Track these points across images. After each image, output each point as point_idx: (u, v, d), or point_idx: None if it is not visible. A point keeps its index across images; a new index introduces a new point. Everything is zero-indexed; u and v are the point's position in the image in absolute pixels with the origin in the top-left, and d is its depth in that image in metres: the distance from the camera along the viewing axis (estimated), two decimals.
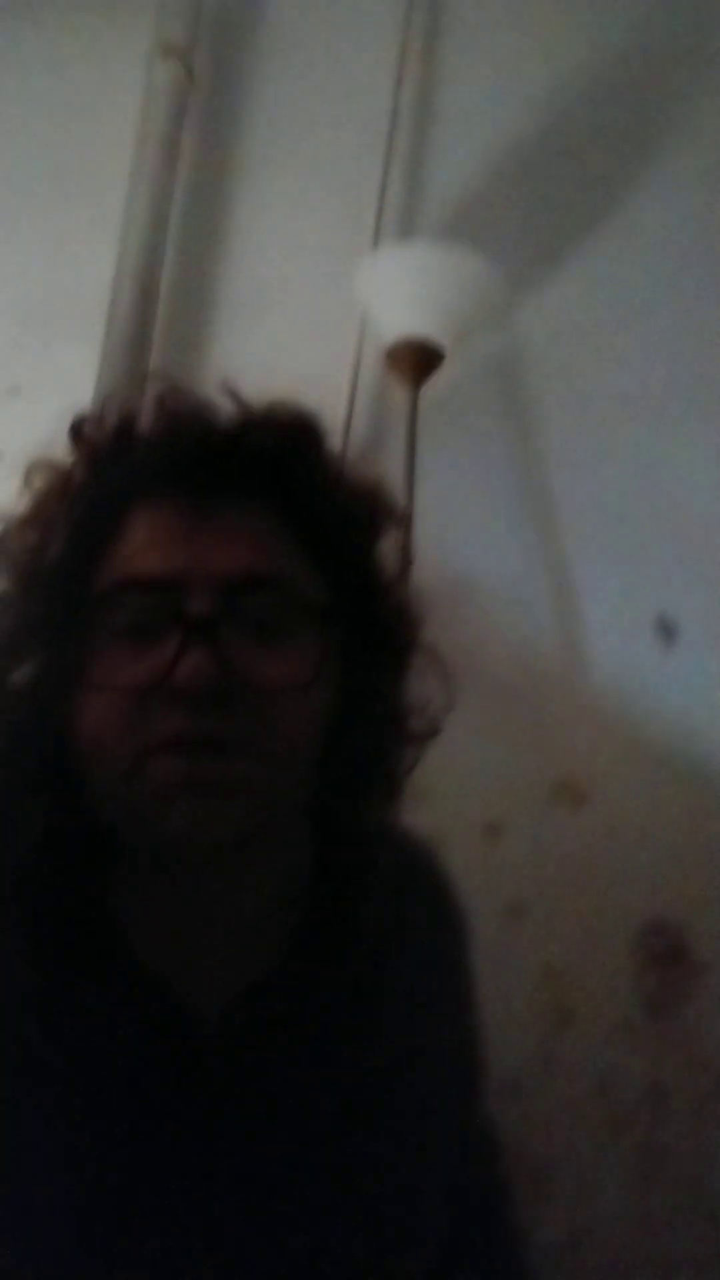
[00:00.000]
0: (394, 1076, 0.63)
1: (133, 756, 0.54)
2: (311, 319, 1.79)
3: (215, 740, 0.54)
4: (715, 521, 1.79)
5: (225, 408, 0.62)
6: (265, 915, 0.62)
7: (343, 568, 0.63)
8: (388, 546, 0.67)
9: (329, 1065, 0.61)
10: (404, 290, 1.59)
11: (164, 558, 0.56)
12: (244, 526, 0.59)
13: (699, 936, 1.66)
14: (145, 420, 0.62)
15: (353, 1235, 0.58)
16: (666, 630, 1.77)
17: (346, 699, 0.62)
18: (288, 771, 0.58)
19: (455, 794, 1.67)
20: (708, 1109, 1.60)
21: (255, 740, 0.55)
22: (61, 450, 0.62)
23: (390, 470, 1.73)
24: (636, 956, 1.65)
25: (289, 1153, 0.58)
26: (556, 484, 1.79)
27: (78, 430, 0.62)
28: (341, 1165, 0.59)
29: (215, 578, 0.56)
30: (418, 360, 1.60)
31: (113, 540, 0.58)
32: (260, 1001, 0.59)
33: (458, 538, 1.75)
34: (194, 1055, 0.57)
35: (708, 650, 1.76)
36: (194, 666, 0.53)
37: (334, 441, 0.66)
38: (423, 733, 0.69)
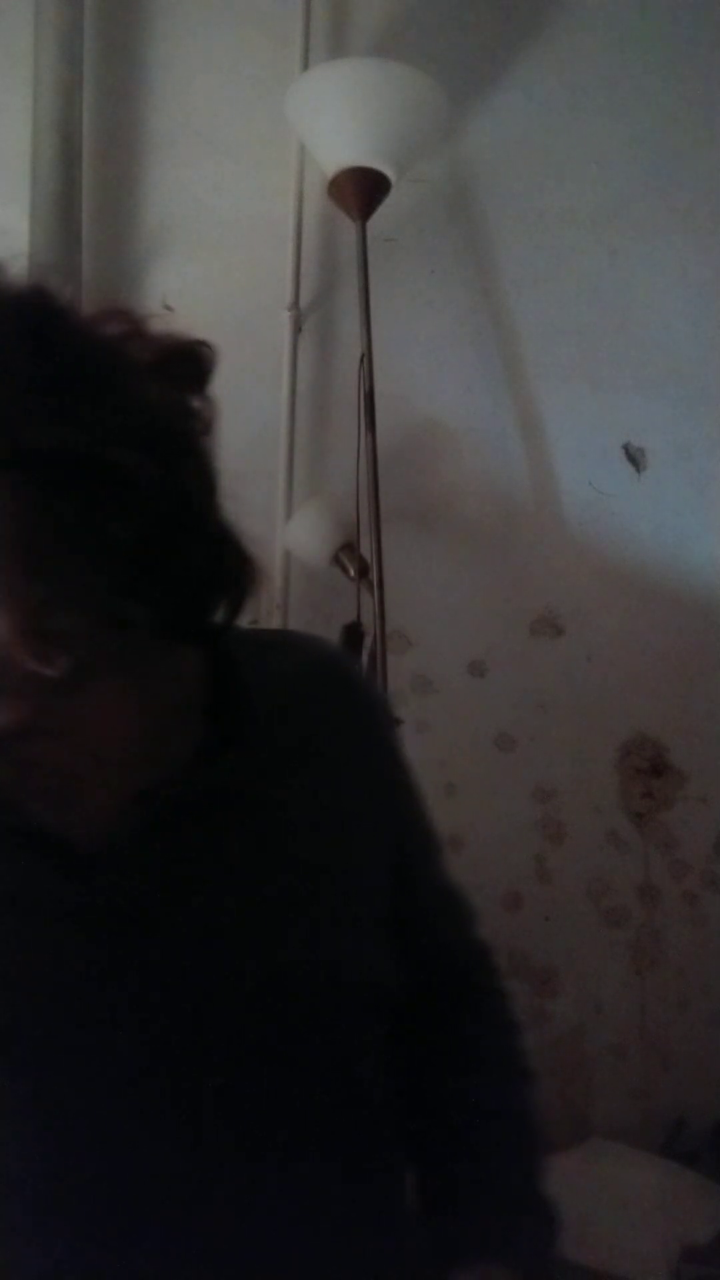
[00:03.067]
0: (303, 842, 0.66)
1: None
2: (246, 154, 1.68)
3: None
4: (676, 341, 1.76)
5: None
6: (150, 737, 0.61)
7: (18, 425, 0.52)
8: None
9: (234, 843, 0.63)
10: (341, 116, 1.49)
11: None
12: None
13: (677, 749, 1.75)
14: None
15: (281, 1002, 0.61)
16: (634, 459, 1.77)
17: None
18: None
19: (439, 636, 1.71)
20: (692, 903, 1.72)
21: None
22: None
23: (344, 309, 1.68)
24: (620, 772, 1.74)
25: (206, 929, 0.61)
26: (516, 312, 1.74)
27: None
28: (260, 928, 0.62)
29: None
30: (363, 191, 1.52)
31: None
32: (149, 806, 0.60)
33: (420, 377, 1.72)
34: (81, 877, 0.59)
35: (675, 475, 1.77)
36: None
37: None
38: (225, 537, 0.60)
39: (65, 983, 0.59)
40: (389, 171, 1.52)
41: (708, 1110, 1.63)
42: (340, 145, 1.50)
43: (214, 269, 1.68)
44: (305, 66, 1.65)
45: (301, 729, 0.69)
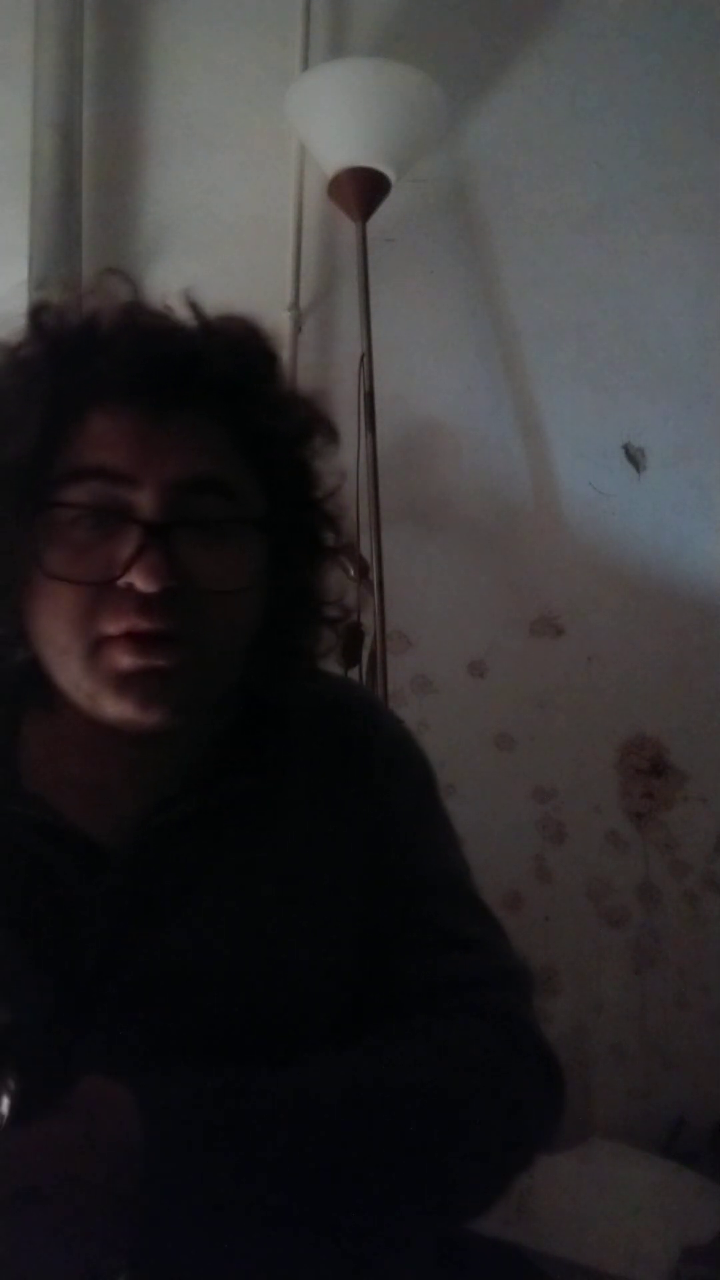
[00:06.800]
0: (287, 860, 0.69)
1: (87, 646, 0.61)
2: (246, 154, 1.69)
3: (163, 634, 0.61)
4: (677, 341, 1.76)
5: (185, 317, 0.67)
6: (178, 761, 0.68)
7: (280, 480, 0.68)
8: (322, 460, 0.73)
9: (231, 853, 0.67)
10: (341, 116, 1.50)
11: (121, 455, 0.61)
12: (195, 435, 0.64)
13: (678, 749, 1.74)
14: (108, 323, 0.65)
15: (257, 1013, 0.63)
16: (634, 459, 1.77)
17: (276, 597, 0.69)
18: (223, 661, 0.66)
19: (439, 636, 1.71)
20: (693, 903, 1.72)
21: (197, 633, 0.62)
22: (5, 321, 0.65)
23: (344, 309, 1.68)
24: (620, 772, 1.74)
25: (194, 933, 0.64)
26: (515, 312, 1.74)
27: (37, 318, 0.65)
28: (236, 929, 0.65)
29: (168, 479, 0.61)
30: (363, 191, 1.52)
31: (71, 438, 0.62)
32: (165, 815, 0.65)
33: (420, 377, 1.72)
34: (90, 874, 0.63)
35: (675, 475, 1.77)
36: (150, 569, 0.59)
37: (283, 361, 0.71)
38: (337, 619, 0.77)
39: (70, 964, 0.61)
40: (389, 171, 1.52)
41: (708, 1110, 1.63)
42: (340, 145, 1.51)
43: (214, 269, 1.68)
44: (305, 66, 1.66)
45: (311, 764, 0.73)
